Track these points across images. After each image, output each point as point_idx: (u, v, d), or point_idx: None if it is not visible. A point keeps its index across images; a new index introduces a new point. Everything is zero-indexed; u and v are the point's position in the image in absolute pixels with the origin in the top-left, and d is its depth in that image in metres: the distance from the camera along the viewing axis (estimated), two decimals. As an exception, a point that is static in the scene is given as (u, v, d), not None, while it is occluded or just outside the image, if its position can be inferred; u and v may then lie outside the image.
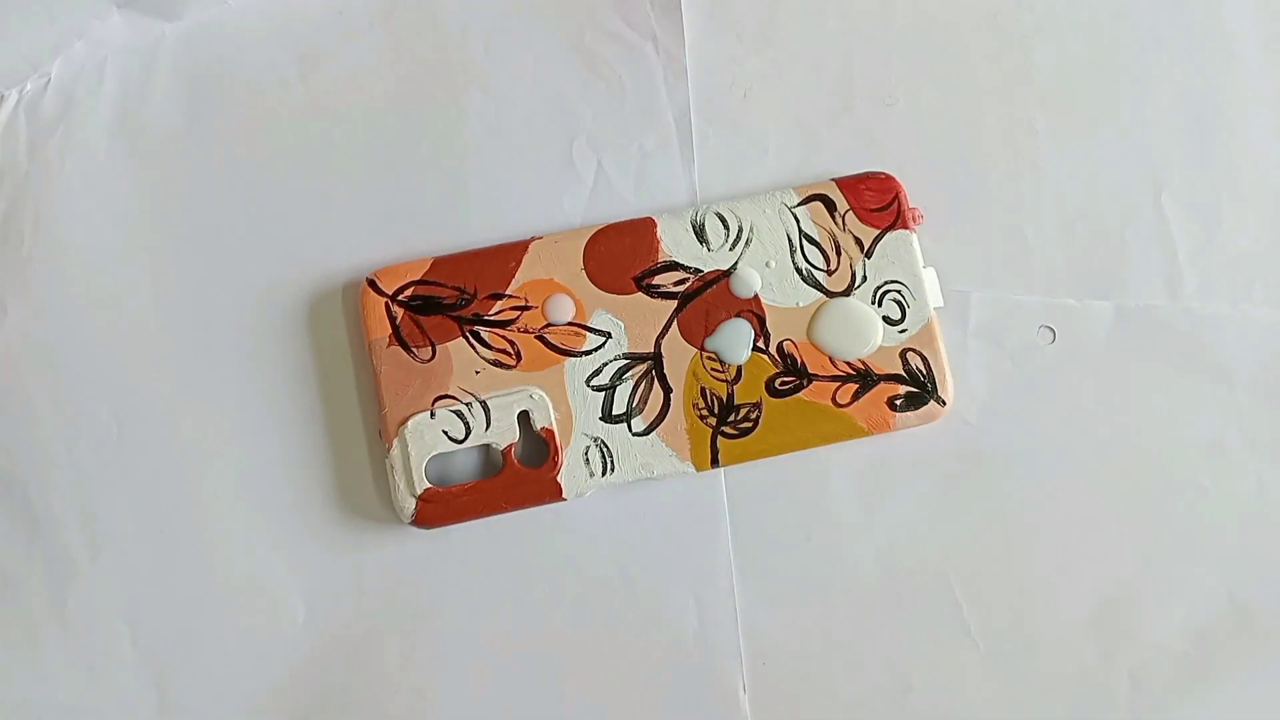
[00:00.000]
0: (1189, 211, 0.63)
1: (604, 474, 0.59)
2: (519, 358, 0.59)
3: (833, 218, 0.61)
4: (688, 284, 0.60)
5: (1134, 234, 0.63)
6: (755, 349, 0.60)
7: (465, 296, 0.60)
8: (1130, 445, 0.61)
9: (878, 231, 0.61)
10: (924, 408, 0.60)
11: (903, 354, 0.60)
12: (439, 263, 0.60)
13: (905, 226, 0.61)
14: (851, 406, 0.60)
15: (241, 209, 0.62)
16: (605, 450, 0.59)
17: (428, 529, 0.59)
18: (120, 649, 0.59)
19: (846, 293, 0.60)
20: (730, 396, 0.60)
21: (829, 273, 0.60)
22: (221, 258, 0.62)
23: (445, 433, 0.59)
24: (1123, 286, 0.62)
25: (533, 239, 0.61)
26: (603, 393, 0.60)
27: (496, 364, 0.59)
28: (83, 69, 0.63)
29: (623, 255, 0.60)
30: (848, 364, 0.60)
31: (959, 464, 0.61)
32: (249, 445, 0.61)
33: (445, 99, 0.64)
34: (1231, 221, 0.63)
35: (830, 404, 0.60)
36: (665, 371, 0.60)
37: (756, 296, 0.60)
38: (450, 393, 0.59)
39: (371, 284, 0.60)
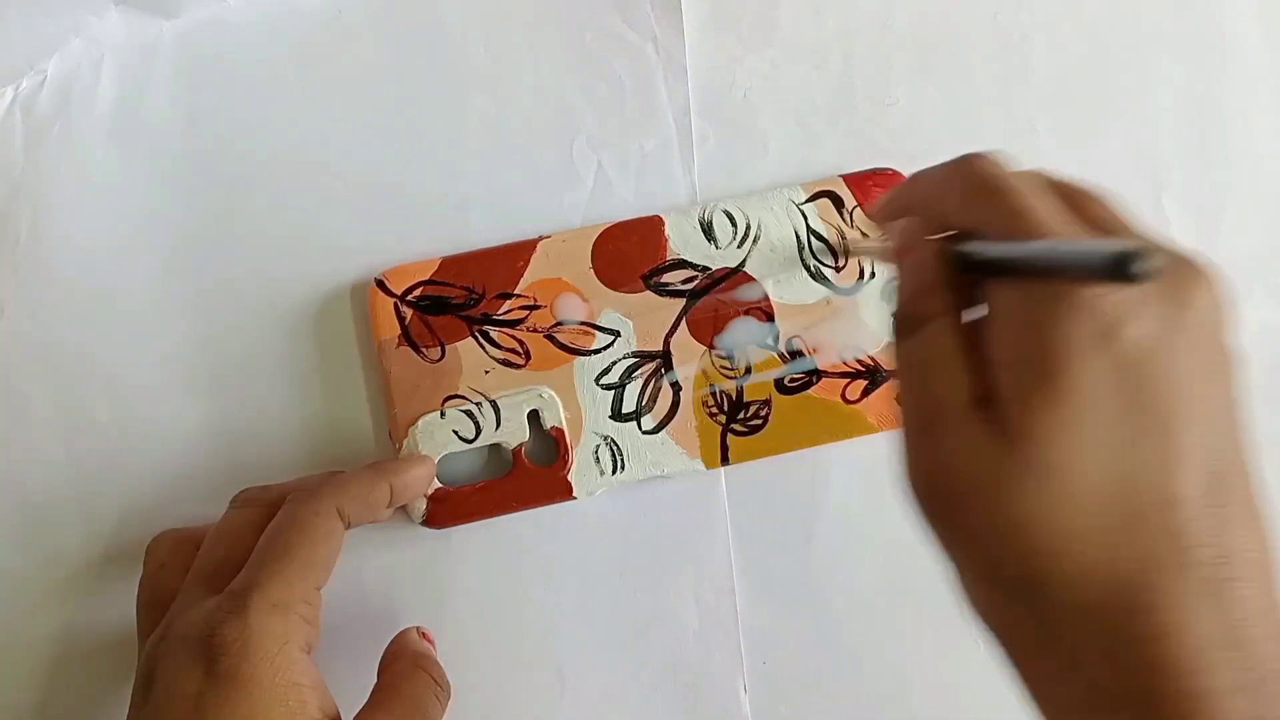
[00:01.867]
0: (1189, 211, 0.63)
1: (614, 473, 0.59)
2: (528, 357, 0.59)
3: (840, 214, 0.61)
4: (696, 282, 0.60)
5: (1134, 234, 0.63)
6: (764, 346, 0.60)
7: (474, 296, 0.60)
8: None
9: (885, 228, 0.61)
10: (933, 405, 0.60)
11: (911, 351, 0.60)
12: (447, 262, 0.60)
13: (913, 223, 0.61)
14: (861, 403, 0.60)
15: (242, 209, 0.62)
16: (615, 449, 0.59)
17: (438, 529, 0.59)
18: (125, 649, 0.58)
19: (855, 289, 0.60)
20: (740, 394, 0.60)
21: (837, 269, 0.61)
22: (222, 258, 0.62)
23: (455, 432, 0.58)
24: (1123, 286, 0.62)
25: (540, 238, 0.60)
26: (612, 391, 0.59)
27: (506, 363, 0.59)
28: (80, 66, 0.63)
29: (631, 253, 0.60)
30: (857, 360, 0.60)
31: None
32: (255, 446, 0.60)
33: (445, 99, 0.63)
34: (1231, 221, 0.63)
35: (840, 400, 0.60)
36: (675, 369, 0.60)
37: (765, 294, 0.60)
38: (460, 392, 0.59)
39: (380, 284, 0.60)
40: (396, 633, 0.57)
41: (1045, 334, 0.36)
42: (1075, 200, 0.41)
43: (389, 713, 0.50)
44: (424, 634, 0.57)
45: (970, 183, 0.42)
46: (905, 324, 0.42)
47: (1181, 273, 0.37)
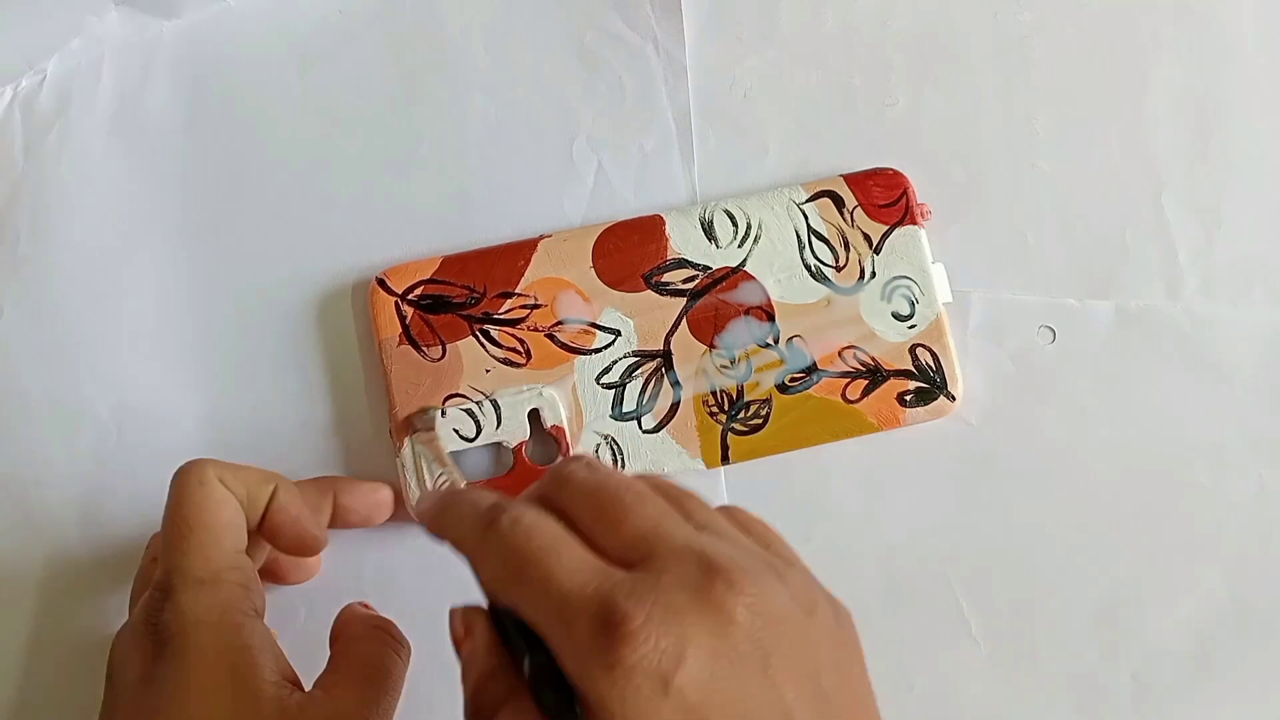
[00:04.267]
0: (1189, 211, 0.63)
1: (615, 472, 0.59)
2: (529, 356, 0.59)
3: (841, 214, 0.61)
4: (697, 281, 0.60)
5: (1134, 234, 0.63)
6: (764, 345, 0.60)
7: (475, 295, 0.60)
8: (1130, 445, 0.61)
9: (886, 227, 0.61)
10: (934, 403, 0.60)
11: (912, 349, 0.60)
12: (448, 261, 0.60)
13: (914, 222, 0.61)
14: (861, 403, 0.60)
15: (242, 208, 0.62)
16: (616, 448, 0.59)
17: (438, 529, 0.58)
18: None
19: (855, 289, 0.60)
20: (740, 393, 0.60)
21: (838, 269, 0.60)
22: (222, 258, 0.62)
23: (456, 431, 0.58)
24: (1123, 286, 0.62)
25: (541, 237, 0.60)
26: (613, 390, 0.59)
27: (506, 362, 0.59)
28: (80, 66, 0.63)
29: (631, 253, 0.60)
30: (857, 360, 0.60)
31: (959, 464, 0.61)
32: (255, 446, 0.60)
33: (445, 99, 0.64)
34: (1231, 221, 0.63)
35: (840, 400, 0.60)
36: (675, 368, 0.60)
37: (765, 293, 0.60)
38: (460, 391, 0.59)
39: (381, 283, 0.60)
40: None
41: (613, 708, 0.36)
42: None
43: (346, 676, 0.50)
44: (365, 606, 0.56)
45: (503, 555, 0.40)
46: (477, 715, 0.41)
47: (710, 585, 0.37)
